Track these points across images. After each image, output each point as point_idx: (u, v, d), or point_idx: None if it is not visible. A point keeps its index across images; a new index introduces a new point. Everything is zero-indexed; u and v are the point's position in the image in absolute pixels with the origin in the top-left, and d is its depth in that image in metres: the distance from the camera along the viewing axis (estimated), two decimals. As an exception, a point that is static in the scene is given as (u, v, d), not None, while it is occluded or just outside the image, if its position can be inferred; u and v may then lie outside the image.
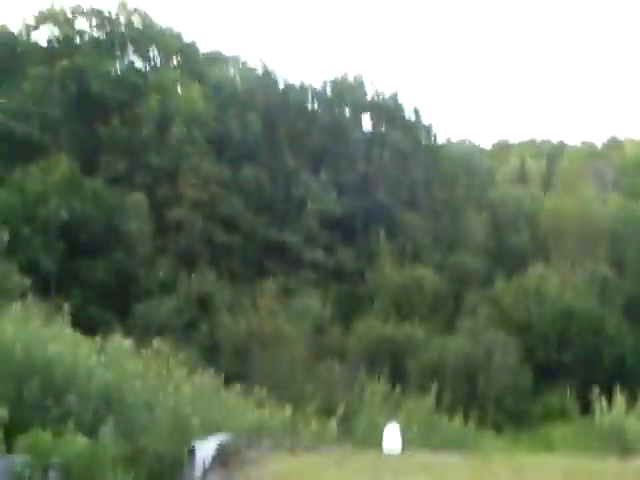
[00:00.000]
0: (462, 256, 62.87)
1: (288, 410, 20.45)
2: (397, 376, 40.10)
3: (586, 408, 19.27)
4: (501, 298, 57.87)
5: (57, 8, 63.62)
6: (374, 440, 17.81)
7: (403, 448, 14.89)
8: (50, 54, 60.82)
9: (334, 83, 68.96)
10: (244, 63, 71.57)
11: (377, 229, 61.09)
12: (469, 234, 65.52)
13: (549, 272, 58.49)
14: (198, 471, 12.98)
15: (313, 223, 58.50)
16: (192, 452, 13.88)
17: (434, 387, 24.99)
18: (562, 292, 56.13)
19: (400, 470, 12.80)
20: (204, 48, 72.20)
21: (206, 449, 13.73)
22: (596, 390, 18.24)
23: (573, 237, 63.01)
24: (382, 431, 17.41)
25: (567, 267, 59.16)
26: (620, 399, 17.47)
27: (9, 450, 16.13)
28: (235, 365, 41.24)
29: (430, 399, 23.47)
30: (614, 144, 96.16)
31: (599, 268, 58.79)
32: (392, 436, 14.87)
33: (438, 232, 65.23)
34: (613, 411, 17.53)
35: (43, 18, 63.31)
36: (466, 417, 25.48)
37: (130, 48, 65.25)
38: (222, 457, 13.44)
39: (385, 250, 60.21)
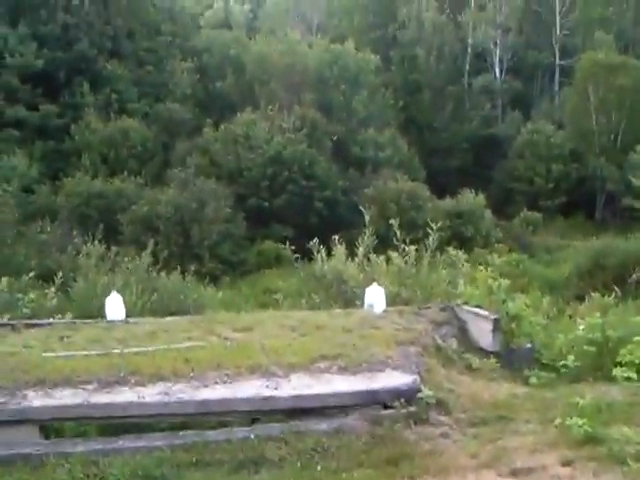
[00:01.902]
0: (169, 105, 61.98)
1: (4, 281, 19.50)
2: (111, 234, 39.53)
3: (302, 254, 19.67)
4: (210, 146, 57.88)
5: None
6: (94, 305, 17.52)
7: (126, 316, 14.74)
8: None
9: None
10: None
11: (81, 81, 58.94)
12: (175, 83, 64.54)
13: (257, 118, 58.83)
14: None
15: (13, 79, 55.37)
16: None
17: (150, 243, 24.62)
18: (271, 137, 56.73)
19: (127, 339, 12.63)
20: None
21: None
22: (314, 239, 18.48)
23: (280, 81, 63.44)
24: (101, 295, 17.18)
25: (275, 112, 59.67)
26: (339, 248, 17.84)
27: None
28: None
29: (147, 256, 23.12)
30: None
31: (307, 112, 59.70)
32: (114, 305, 14.62)
33: (143, 82, 63.81)
34: (332, 260, 17.90)
35: None
36: (184, 271, 25.42)
37: None
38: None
39: (90, 103, 58.37)
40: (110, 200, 49.76)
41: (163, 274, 22.56)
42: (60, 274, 19.51)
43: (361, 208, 19.65)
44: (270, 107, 60.12)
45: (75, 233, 35.53)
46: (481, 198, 56.27)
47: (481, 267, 15.27)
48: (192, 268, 28.36)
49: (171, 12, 71.52)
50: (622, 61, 65.26)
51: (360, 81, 66.17)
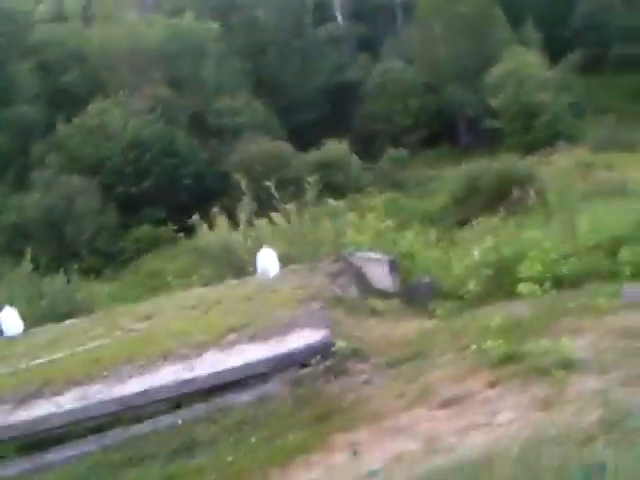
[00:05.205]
0: (17, 109, 60.21)
1: None
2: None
3: (182, 230, 19.32)
4: (67, 142, 56.75)
5: None
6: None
7: (24, 328, 14.42)
8: None
9: None
10: None
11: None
12: (20, 84, 62.62)
13: (109, 105, 57.85)
14: None
15: None
16: None
17: (28, 251, 23.99)
18: (126, 122, 55.90)
19: (31, 351, 12.35)
20: None
21: None
22: (192, 215, 18.24)
23: (125, 65, 62.28)
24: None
25: (126, 96, 58.78)
26: (220, 218, 17.69)
27: None
28: None
29: (27, 263, 22.59)
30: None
31: (158, 90, 58.98)
32: (10, 320, 14.29)
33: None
34: (215, 231, 17.72)
35: None
36: (66, 271, 24.96)
37: None
38: None
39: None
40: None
41: (47, 280, 22.18)
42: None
43: (235, 176, 19.49)
44: (120, 92, 59.18)
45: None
46: (344, 145, 56.66)
47: (364, 212, 15.39)
48: (75, 267, 27.95)
49: (3, 12, 68.96)
50: (462, -10, 66.15)
51: (205, 51, 65.61)
